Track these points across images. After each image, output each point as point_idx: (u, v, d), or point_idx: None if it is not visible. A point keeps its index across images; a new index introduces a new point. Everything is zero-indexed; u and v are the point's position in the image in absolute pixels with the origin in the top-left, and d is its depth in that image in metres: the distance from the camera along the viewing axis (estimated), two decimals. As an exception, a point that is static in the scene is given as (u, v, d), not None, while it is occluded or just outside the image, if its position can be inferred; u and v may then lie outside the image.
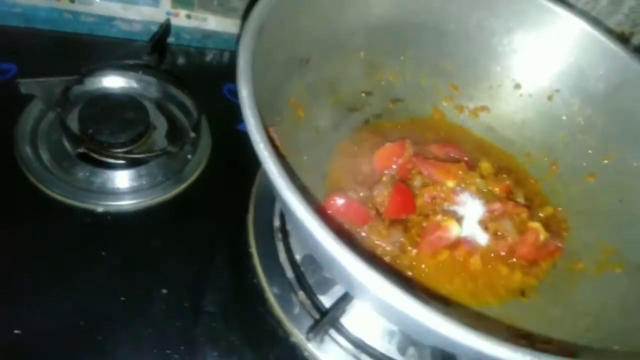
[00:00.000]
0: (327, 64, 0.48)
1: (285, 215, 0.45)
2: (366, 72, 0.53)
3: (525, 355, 0.25)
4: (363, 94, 0.53)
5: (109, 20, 0.57)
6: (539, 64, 0.55)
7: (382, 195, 0.44)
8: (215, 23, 0.60)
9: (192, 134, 0.48)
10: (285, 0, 0.40)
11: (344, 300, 0.41)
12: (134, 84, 0.52)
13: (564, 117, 0.54)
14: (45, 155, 0.46)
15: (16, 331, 0.37)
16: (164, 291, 0.42)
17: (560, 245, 0.47)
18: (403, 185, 0.45)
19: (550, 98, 0.55)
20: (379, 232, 0.43)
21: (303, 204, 0.28)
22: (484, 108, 0.57)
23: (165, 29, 0.56)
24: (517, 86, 0.56)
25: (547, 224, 0.48)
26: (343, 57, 0.50)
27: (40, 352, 0.37)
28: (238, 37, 0.37)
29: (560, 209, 0.51)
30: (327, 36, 0.47)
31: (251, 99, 0.31)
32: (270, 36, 0.38)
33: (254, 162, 0.31)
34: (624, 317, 0.41)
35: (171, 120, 0.50)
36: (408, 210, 0.44)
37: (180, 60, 0.60)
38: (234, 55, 0.62)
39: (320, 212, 0.42)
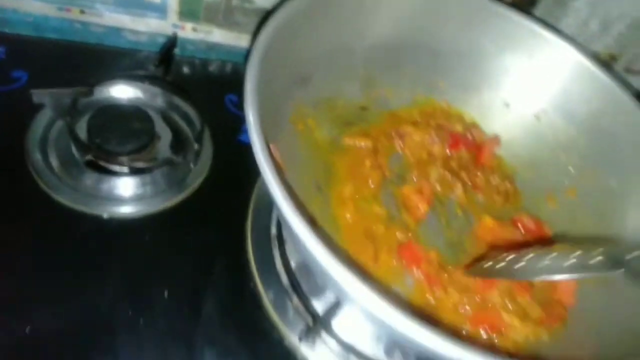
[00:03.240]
0: (327, 81, 0.51)
1: (283, 229, 0.48)
2: (364, 89, 0.56)
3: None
4: (360, 109, 0.56)
5: (118, 30, 0.59)
6: (527, 84, 0.58)
7: None
8: (220, 35, 0.62)
9: (196, 146, 0.50)
10: (289, 24, 0.42)
11: (335, 305, 0.43)
12: (140, 95, 0.54)
13: (549, 136, 0.57)
14: (54, 162, 0.48)
15: (27, 330, 0.39)
16: (165, 294, 0.44)
17: None
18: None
19: (537, 117, 0.58)
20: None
21: (303, 223, 0.30)
22: (474, 124, 0.60)
23: (172, 42, 0.58)
24: (506, 105, 0.59)
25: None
26: (343, 75, 0.53)
27: (48, 351, 0.39)
28: (246, 57, 0.38)
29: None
30: (328, 55, 0.50)
31: (257, 123, 0.33)
32: (274, 59, 0.40)
33: (253, 172, 0.33)
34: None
35: (175, 131, 0.52)
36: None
37: (185, 71, 0.62)
38: (236, 66, 0.65)
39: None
